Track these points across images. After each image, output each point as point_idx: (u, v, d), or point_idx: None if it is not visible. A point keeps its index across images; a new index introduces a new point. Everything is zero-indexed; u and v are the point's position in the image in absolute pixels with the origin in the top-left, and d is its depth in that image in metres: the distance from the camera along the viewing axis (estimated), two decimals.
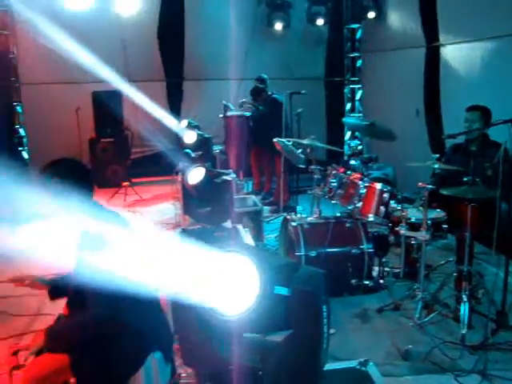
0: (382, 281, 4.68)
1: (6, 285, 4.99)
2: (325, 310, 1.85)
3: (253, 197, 5.73)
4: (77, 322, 2.38)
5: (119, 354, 2.41)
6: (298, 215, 4.84)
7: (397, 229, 4.38)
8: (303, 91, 6.54)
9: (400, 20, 8.27)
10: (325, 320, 1.86)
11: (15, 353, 2.70)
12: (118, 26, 9.33)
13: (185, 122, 7.63)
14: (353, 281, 4.47)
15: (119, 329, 2.36)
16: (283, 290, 1.79)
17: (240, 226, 4.22)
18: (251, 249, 1.91)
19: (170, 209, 7.05)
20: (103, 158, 8.66)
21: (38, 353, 2.57)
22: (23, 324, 4.23)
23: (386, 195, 4.51)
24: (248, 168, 7.63)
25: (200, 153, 6.30)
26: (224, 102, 7.46)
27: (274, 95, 7.17)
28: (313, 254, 4.40)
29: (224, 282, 1.63)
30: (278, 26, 9.51)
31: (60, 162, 2.58)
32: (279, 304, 1.78)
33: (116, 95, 8.64)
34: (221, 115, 7.53)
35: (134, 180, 8.37)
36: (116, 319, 2.32)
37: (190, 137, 6.65)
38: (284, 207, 6.54)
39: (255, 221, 5.10)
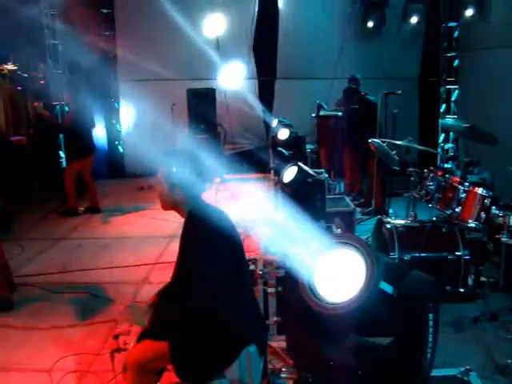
0: (478, 290, 4.47)
1: (104, 271, 5.33)
2: (431, 318, 1.79)
3: (345, 197, 5.67)
4: (177, 311, 2.44)
5: (216, 344, 2.45)
6: (393, 218, 4.73)
7: (497, 236, 4.17)
8: (399, 91, 6.37)
9: (505, 16, 7.84)
10: (430, 329, 1.80)
11: (116, 337, 2.82)
12: (214, 22, 9.59)
13: (276, 121, 7.69)
14: (447, 288, 4.30)
15: (218, 319, 2.40)
16: (388, 288, 1.75)
17: (333, 226, 4.19)
18: (362, 241, 1.88)
19: (258, 205, 7.11)
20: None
21: (139, 338, 2.68)
22: (119, 310, 4.39)
23: (487, 201, 4.30)
24: (340, 168, 7.55)
25: (292, 152, 6.31)
26: (318, 101, 7.42)
27: (367, 96, 7.03)
28: (407, 257, 4.27)
29: (332, 269, 1.63)
30: (373, 25, 9.33)
31: (183, 151, 2.64)
32: (383, 305, 1.75)
33: (210, 93, 8.84)
34: (313, 114, 7.50)
35: (225, 176, 8.52)
36: (215, 310, 2.36)
37: (283, 134, 6.69)
38: (376, 210, 6.42)
39: (347, 221, 5.04)
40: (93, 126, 7.77)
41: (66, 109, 10.89)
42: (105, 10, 10.72)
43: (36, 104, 7.28)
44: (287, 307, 2.28)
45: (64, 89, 9.67)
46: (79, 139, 7.36)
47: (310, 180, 4.38)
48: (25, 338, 4.02)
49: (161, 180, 2.51)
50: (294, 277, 1.99)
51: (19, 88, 20.07)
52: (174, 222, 6.84)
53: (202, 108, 8.67)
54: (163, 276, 5.05)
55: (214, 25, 9.67)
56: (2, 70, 19.65)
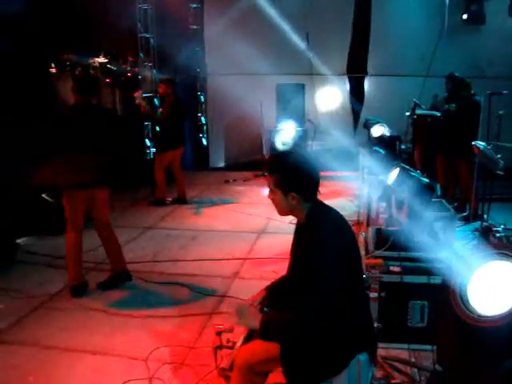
0: None
1: (194, 263, 5.35)
2: None
3: (443, 201, 5.39)
4: (291, 317, 2.35)
5: (328, 350, 2.35)
6: (502, 226, 4.42)
7: None
8: (505, 91, 5.99)
9: None
10: None
11: (218, 333, 2.78)
12: (304, 17, 9.46)
13: (365, 119, 7.48)
14: None
15: (332, 326, 2.30)
16: None
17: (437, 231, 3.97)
18: None
19: (347, 205, 6.95)
20: (282, 149, 8.79)
21: (248, 338, 2.62)
22: (210, 304, 4.40)
23: None
24: (434, 171, 7.20)
25: (385, 151, 6.08)
26: (414, 99, 7.11)
27: (476, 97, 6.57)
28: None
29: (487, 281, 1.49)
30: (473, 21, 8.86)
31: (291, 154, 2.58)
32: None
33: (299, 88, 8.74)
34: (407, 113, 7.20)
35: None
36: (330, 315, 2.26)
37: (377, 131, 6.49)
38: (474, 215, 6.08)
39: (446, 226, 4.77)
40: (185, 117, 7.84)
41: (155, 101, 11.14)
42: (194, 5, 10.85)
43: (137, 94, 7.39)
44: (438, 317, 2.14)
45: (157, 81, 9.83)
46: (173, 130, 7.47)
47: (416, 182, 4.14)
48: (120, 325, 4.09)
49: (273, 186, 2.43)
50: (445, 286, 1.85)
51: (108, 80, 20.79)
52: (262, 217, 6.84)
53: (291, 103, 8.58)
54: (254, 272, 5.03)
55: (305, 19, 9.54)
56: (93, 62, 20.43)
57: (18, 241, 5.94)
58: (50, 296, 4.66)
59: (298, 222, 2.55)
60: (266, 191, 2.51)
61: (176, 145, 7.66)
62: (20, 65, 8.32)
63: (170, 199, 7.94)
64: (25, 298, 4.63)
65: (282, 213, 2.51)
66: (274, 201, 2.48)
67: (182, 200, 7.90)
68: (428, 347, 3.32)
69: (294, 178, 2.38)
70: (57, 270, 5.26)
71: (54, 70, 11.60)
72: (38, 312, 4.37)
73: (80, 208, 4.63)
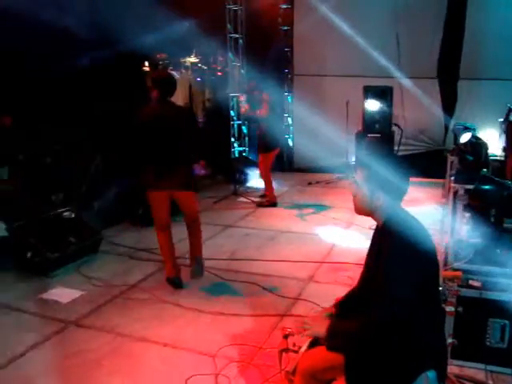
0: None
1: (270, 263, 5.35)
2: None
3: None
4: (359, 327, 2.26)
5: (395, 364, 2.24)
6: None
7: None
8: None
9: None
10: None
11: (286, 336, 2.74)
12: (394, 18, 9.20)
13: (453, 123, 7.14)
14: None
15: (402, 338, 2.19)
16: None
17: None
18: None
19: (431, 213, 6.68)
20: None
21: (313, 344, 2.56)
22: (283, 305, 4.35)
23: None
24: None
25: (473, 158, 5.76)
26: (509, 105, 6.68)
27: None
28: None
29: None
30: None
31: (389, 154, 2.50)
32: None
33: (387, 90, 8.50)
34: (500, 119, 6.78)
35: None
36: (400, 326, 2.15)
37: (465, 137, 6.16)
38: None
39: None
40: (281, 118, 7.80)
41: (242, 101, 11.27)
42: (284, 5, 10.87)
43: (241, 98, 7.43)
44: None
45: (246, 81, 9.94)
46: (272, 131, 7.40)
47: (503, 192, 3.89)
48: (192, 320, 4.16)
49: (362, 181, 2.34)
50: None
51: (198, 79, 21.40)
52: (342, 220, 6.73)
53: (378, 106, 8.37)
54: (329, 276, 4.95)
55: (396, 19, 9.27)
56: (185, 61, 21.08)
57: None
58: (128, 286, 4.84)
59: (377, 226, 2.46)
60: (350, 186, 2.40)
61: (275, 145, 7.61)
62: (119, 68, 8.72)
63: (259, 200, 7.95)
64: (105, 286, 4.86)
65: (361, 211, 2.41)
66: (356, 196, 2.39)
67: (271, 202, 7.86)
68: (508, 371, 3.11)
69: (386, 179, 2.28)
70: (137, 262, 5.48)
71: (147, 69, 12.05)
72: (116, 301, 4.56)
73: (163, 208, 4.79)
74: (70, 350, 3.74)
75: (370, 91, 8.56)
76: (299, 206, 7.70)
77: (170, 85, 4.85)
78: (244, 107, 7.46)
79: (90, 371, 3.46)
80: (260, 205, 7.79)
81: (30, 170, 14.51)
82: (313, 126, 8.96)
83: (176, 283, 4.82)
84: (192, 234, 5.04)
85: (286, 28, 11.01)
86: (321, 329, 2.35)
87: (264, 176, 7.75)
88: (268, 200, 7.82)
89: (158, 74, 5.71)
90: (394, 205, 2.34)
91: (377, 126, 8.50)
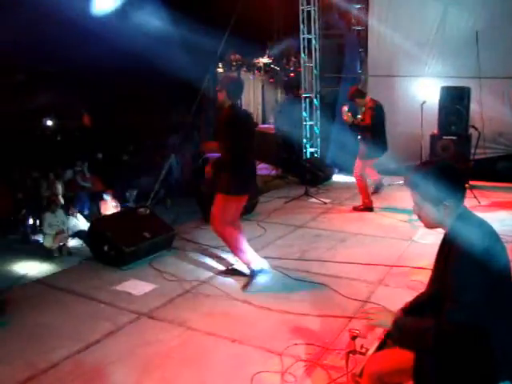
0: None
1: (340, 265, 5.30)
2: None
3: None
4: (427, 325, 2.21)
5: (467, 371, 2.17)
6: None
7: None
8: None
9: None
10: None
11: (354, 338, 2.71)
12: (474, 16, 8.88)
13: None
14: None
15: (473, 345, 2.12)
16: None
17: None
18: None
19: (507, 219, 6.41)
20: (442, 156, 8.34)
21: (381, 346, 2.53)
22: (352, 307, 4.30)
23: None
24: None
25: None
26: None
27: None
28: None
29: None
30: None
31: (433, 163, 2.47)
32: None
33: (464, 92, 8.22)
34: None
35: (472, 183, 7.83)
36: (470, 332, 2.09)
37: None
38: None
39: None
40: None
41: (315, 102, 11.25)
42: (358, 6, 10.78)
43: (344, 108, 7.22)
44: None
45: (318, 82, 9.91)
46: (381, 136, 7.30)
47: None
48: (260, 317, 4.19)
49: (421, 201, 2.34)
50: None
51: (271, 80, 21.52)
52: (414, 224, 6.56)
53: (455, 108, 8.11)
54: (400, 280, 4.84)
55: (476, 17, 8.94)
56: (258, 62, 21.24)
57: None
58: (199, 282, 4.95)
59: (445, 232, 2.41)
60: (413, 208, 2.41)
61: (378, 153, 7.38)
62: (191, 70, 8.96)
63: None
64: (177, 281, 4.99)
65: (432, 226, 2.41)
66: (421, 216, 2.40)
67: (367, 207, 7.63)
68: None
69: (441, 189, 2.25)
70: (208, 259, 5.58)
71: (221, 70, 12.27)
72: (188, 295, 4.68)
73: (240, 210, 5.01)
74: (142, 340, 3.87)
75: (447, 92, 8.32)
76: (371, 209, 7.58)
77: (240, 87, 4.93)
78: (347, 115, 7.12)
79: (160, 362, 3.57)
80: (356, 208, 7.63)
81: (107, 167, 15.15)
82: (386, 128, 8.81)
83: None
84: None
85: (359, 28, 10.92)
86: (387, 319, 2.33)
87: (359, 181, 7.50)
88: (363, 204, 7.59)
89: (227, 76, 5.76)
90: (458, 210, 2.30)
91: (453, 127, 8.25)
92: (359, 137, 7.51)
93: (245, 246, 4.90)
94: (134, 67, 13.84)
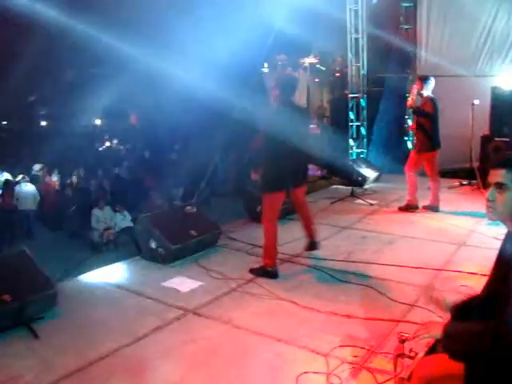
0: None
1: (387, 267, 5.23)
2: None
3: None
4: (479, 329, 2.15)
5: None
6: None
7: None
8: None
9: None
10: None
11: (402, 341, 2.67)
12: None
13: None
14: None
15: None
16: None
17: None
18: None
19: None
20: (494, 158, 8.11)
21: (431, 351, 2.48)
22: (399, 311, 4.23)
23: None
24: None
25: None
26: None
27: None
28: None
29: None
30: None
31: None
32: None
33: None
34: None
35: None
36: None
37: None
38: None
39: None
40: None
41: (362, 102, 11.13)
42: (406, 4, 10.60)
43: (414, 90, 7.09)
44: None
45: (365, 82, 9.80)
46: (435, 130, 7.17)
47: None
48: (306, 318, 4.18)
49: (508, 184, 2.16)
50: None
51: (316, 80, 21.41)
52: (463, 228, 6.42)
53: (508, 109, 7.88)
54: (448, 285, 4.72)
55: None
56: (303, 62, 21.17)
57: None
58: (245, 280, 4.97)
59: (508, 232, 2.31)
60: (488, 193, 2.22)
61: (435, 146, 7.24)
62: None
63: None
64: (223, 279, 5.03)
65: (503, 216, 2.22)
66: (499, 200, 2.20)
67: (433, 207, 7.45)
68: None
69: None
70: (254, 258, 5.58)
71: (266, 70, 12.28)
72: (233, 294, 4.71)
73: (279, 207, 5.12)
74: (188, 336, 3.92)
75: (499, 92, 8.09)
76: (416, 207, 7.44)
77: (291, 85, 5.02)
78: (412, 98, 7.08)
79: (206, 359, 3.60)
80: (401, 208, 7.53)
81: (153, 165, 15.42)
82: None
83: (276, 274, 5.03)
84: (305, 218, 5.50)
85: (407, 27, 10.73)
86: (437, 330, 2.28)
87: (409, 177, 7.39)
88: (408, 203, 7.49)
89: (281, 75, 5.86)
90: None
91: (505, 129, 8.02)
92: (416, 129, 7.38)
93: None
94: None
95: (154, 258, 5.53)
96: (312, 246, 5.52)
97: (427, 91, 7.15)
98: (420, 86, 7.15)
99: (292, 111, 4.96)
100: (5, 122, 23.48)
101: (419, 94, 7.17)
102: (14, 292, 4.06)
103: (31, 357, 3.69)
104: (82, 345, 3.84)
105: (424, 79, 7.22)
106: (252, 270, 5.13)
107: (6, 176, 13.81)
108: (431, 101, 7.07)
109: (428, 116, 7.07)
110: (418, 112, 7.14)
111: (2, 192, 12.42)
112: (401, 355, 2.69)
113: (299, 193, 5.34)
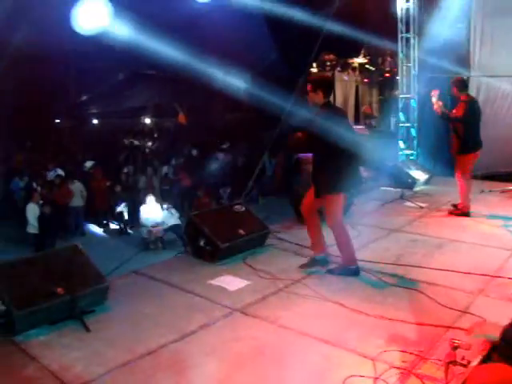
0: None
1: (437, 272, 5.11)
2: None
3: None
4: None
5: None
6: None
7: None
8: None
9: None
10: None
11: (454, 348, 2.62)
12: None
13: None
14: None
15: None
16: None
17: None
18: None
19: None
20: None
21: (485, 359, 2.42)
22: (450, 317, 4.12)
23: None
24: None
25: None
26: None
27: None
28: None
29: None
30: None
31: None
32: None
33: None
34: None
35: None
36: None
37: None
38: None
39: None
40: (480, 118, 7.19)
41: (413, 103, 10.94)
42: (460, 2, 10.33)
43: (434, 95, 6.99)
44: None
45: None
46: (473, 132, 7.02)
47: None
48: (354, 321, 4.13)
49: None
50: None
51: (366, 80, 21.17)
52: None
53: None
54: (501, 292, 4.60)
55: None
56: (353, 62, 20.99)
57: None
58: (293, 281, 4.96)
59: None
60: None
61: (476, 147, 7.07)
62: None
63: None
64: (270, 279, 5.03)
65: None
66: None
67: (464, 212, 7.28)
68: None
69: None
70: (301, 259, 5.56)
71: (315, 70, 12.23)
72: (281, 294, 4.71)
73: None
74: (234, 334, 3.95)
75: None
76: (467, 214, 7.25)
77: (331, 86, 4.98)
78: (437, 103, 6.92)
79: (251, 358, 3.61)
80: (451, 212, 7.36)
81: (202, 164, 15.60)
82: (492, 131, 8.39)
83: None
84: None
85: (460, 25, 10.45)
86: (493, 331, 2.22)
87: (459, 181, 7.21)
88: (460, 209, 7.30)
89: (320, 75, 5.68)
90: None
91: None
92: (451, 132, 7.22)
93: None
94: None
95: (202, 255, 5.60)
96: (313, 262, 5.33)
97: (462, 93, 6.98)
98: (455, 89, 6.98)
99: (336, 112, 4.92)
100: (57, 121, 24.22)
101: (454, 97, 7.02)
102: (67, 285, 4.19)
103: (82, 349, 3.81)
104: (131, 339, 3.93)
105: (457, 81, 7.08)
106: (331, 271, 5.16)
107: (60, 173, 14.22)
108: (466, 103, 6.88)
109: (457, 120, 6.91)
110: (444, 117, 7.00)
111: (56, 189, 12.80)
112: (452, 362, 2.64)
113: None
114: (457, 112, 6.92)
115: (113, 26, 8.07)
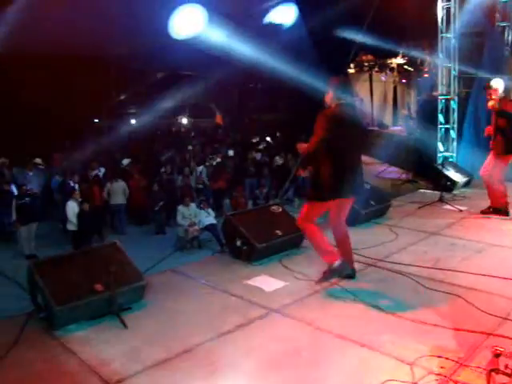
0: None
1: (475, 276, 5.00)
2: None
3: None
4: None
5: None
6: None
7: None
8: None
9: None
10: None
11: (497, 355, 2.57)
12: None
13: None
14: None
15: None
16: None
17: None
18: None
19: None
20: None
21: None
22: (490, 323, 4.03)
23: None
24: None
25: None
26: None
27: None
28: None
29: None
30: None
31: None
32: None
33: None
34: None
35: None
36: None
37: None
38: None
39: None
40: None
41: (452, 104, 10.75)
42: (504, 0, 10.12)
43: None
44: None
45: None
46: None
47: None
48: (391, 325, 4.09)
49: None
50: None
51: (404, 80, 20.92)
52: None
53: None
54: None
55: None
56: (391, 63, 20.73)
57: None
58: (330, 283, 4.92)
59: None
60: None
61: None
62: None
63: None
64: (307, 280, 5.02)
65: None
66: None
67: (498, 210, 7.27)
68: None
69: None
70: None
71: (352, 71, 12.17)
72: (317, 296, 4.71)
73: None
74: (271, 335, 3.97)
75: None
76: (509, 218, 7.09)
77: (343, 86, 4.82)
78: (494, 100, 6.81)
79: (287, 359, 3.62)
80: (483, 212, 7.34)
81: (238, 164, 15.65)
82: None
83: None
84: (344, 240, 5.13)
85: (504, 24, 10.23)
86: None
87: (486, 182, 7.23)
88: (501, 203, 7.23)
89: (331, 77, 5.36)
90: None
91: None
92: (495, 131, 7.11)
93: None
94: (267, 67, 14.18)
95: (239, 255, 5.63)
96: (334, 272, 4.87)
97: (502, 93, 6.90)
98: (495, 90, 6.86)
99: (343, 116, 4.70)
100: (96, 120, 24.70)
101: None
102: (106, 283, 4.27)
103: (120, 345, 3.89)
104: (168, 337, 3.99)
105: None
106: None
107: (103, 171, 14.48)
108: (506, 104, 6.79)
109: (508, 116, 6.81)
110: (502, 113, 6.83)
111: (94, 187, 13.01)
112: (495, 370, 2.59)
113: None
114: (509, 110, 6.82)
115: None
